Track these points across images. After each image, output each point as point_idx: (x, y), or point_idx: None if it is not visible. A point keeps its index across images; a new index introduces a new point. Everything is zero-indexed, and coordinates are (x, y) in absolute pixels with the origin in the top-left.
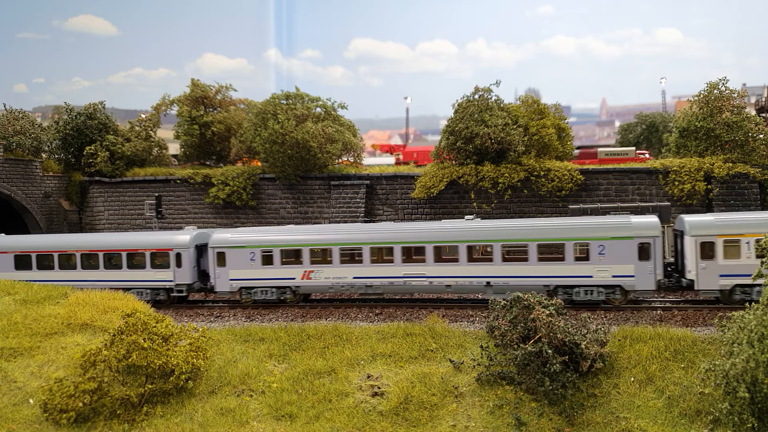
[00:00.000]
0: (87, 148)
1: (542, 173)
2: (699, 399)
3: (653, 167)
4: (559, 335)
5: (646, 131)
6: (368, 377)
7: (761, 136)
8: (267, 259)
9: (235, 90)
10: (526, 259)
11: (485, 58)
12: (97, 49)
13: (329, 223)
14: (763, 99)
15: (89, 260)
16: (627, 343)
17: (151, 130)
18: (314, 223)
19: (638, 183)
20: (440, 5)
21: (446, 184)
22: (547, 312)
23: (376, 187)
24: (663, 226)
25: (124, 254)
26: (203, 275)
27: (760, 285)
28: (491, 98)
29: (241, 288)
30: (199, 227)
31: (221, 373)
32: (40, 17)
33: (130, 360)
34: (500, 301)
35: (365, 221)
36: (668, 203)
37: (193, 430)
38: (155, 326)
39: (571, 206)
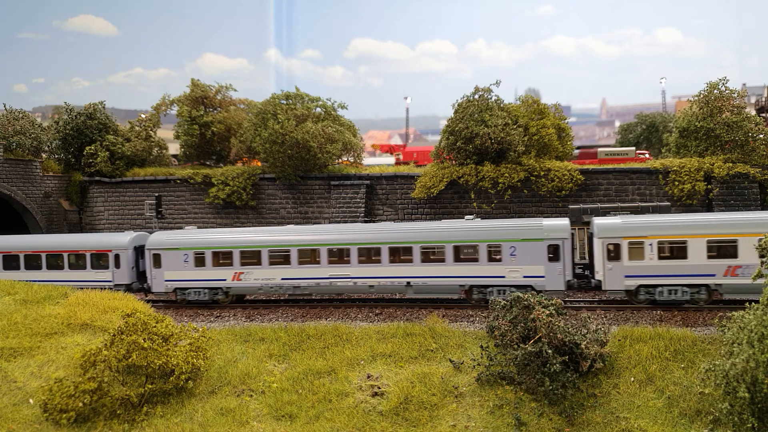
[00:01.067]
0: (87, 148)
1: (542, 173)
2: (699, 399)
3: (653, 167)
4: (559, 335)
5: (646, 131)
6: (368, 377)
7: (761, 136)
8: (199, 261)
9: (235, 90)
10: (443, 260)
11: (485, 58)
12: (97, 49)
13: (329, 223)
14: (763, 99)
15: (33, 261)
16: (627, 343)
17: (151, 130)
18: (314, 224)
19: (638, 183)
20: (440, 5)
21: (446, 184)
22: (547, 312)
23: (376, 187)
24: (574, 229)
25: (65, 255)
26: (142, 276)
27: (663, 285)
28: (491, 98)
29: (176, 288)
30: (199, 227)
31: (221, 373)
32: (40, 17)
33: (130, 360)
34: (500, 301)
35: (365, 221)
36: (668, 203)
37: (193, 430)
38: (155, 326)
39: (571, 206)
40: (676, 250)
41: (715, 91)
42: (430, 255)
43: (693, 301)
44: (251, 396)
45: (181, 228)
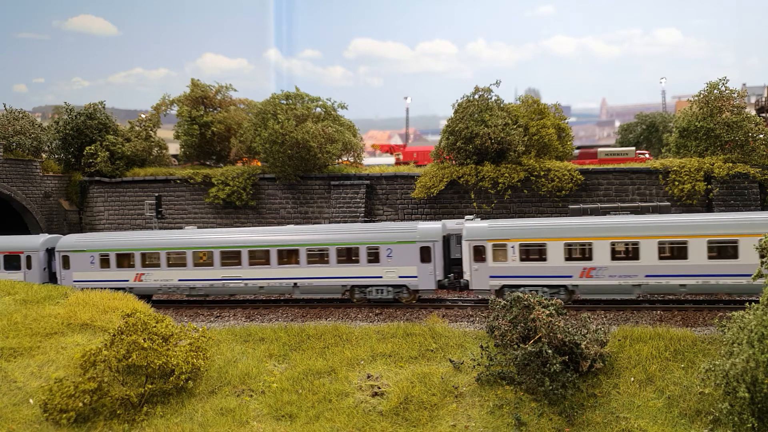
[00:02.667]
0: (87, 148)
1: (542, 173)
2: (699, 399)
3: (653, 167)
4: (559, 335)
5: (646, 131)
6: (368, 377)
7: (761, 136)
8: (104, 262)
9: (235, 90)
10: (327, 262)
11: (485, 58)
12: (97, 49)
13: (329, 223)
14: (763, 99)
15: None
16: (627, 343)
17: (151, 130)
18: (314, 223)
19: (638, 183)
20: (440, 5)
21: (446, 184)
22: (547, 312)
23: (376, 187)
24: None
25: None
26: (54, 277)
27: (524, 286)
28: (491, 98)
29: (83, 289)
30: (199, 227)
31: (221, 373)
32: (40, 17)
33: (130, 360)
34: (500, 301)
35: (365, 221)
36: (668, 203)
37: (193, 430)
38: (155, 326)
39: (571, 206)
40: (536, 253)
41: (715, 91)
42: (316, 257)
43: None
44: (251, 396)
45: (181, 228)
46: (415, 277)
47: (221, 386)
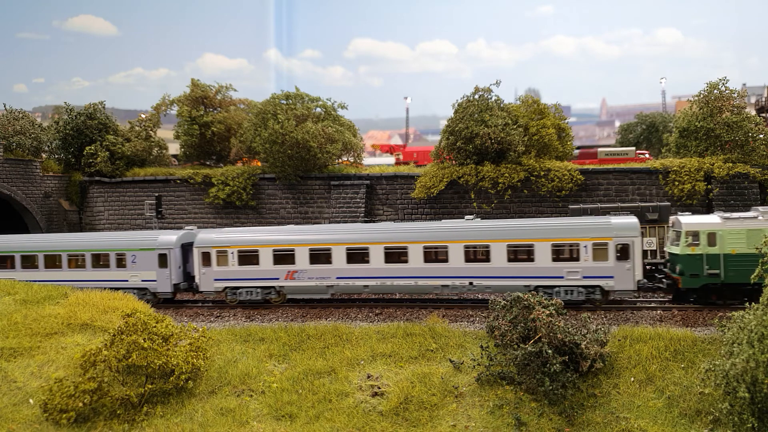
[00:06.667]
0: (87, 148)
1: (542, 173)
2: (699, 399)
3: (653, 167)
4: (559, 335)
5: (646, 131)
6: (368, 377)
7: (761, 136)
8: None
9: (235, 90)
10: (84, 267)
11: (485, 58)
12: (97, 49)
13: (329, 223)
14: (763, 99)
15: None
16: (627, 343)
17: (151, 130)
18: (314, 223)
19: (638, 183)
20: (440, 5)
21: (446, 184)
22: (547, 312)
23: (376, 187)
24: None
25: None
26: None
27: (242, 287)
28: (491, 98)
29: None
30: (198, 227)
31: (221, 373)
32: (40, 17)
33: (130, 360)
34: (500, 301)
35: (365, 221)
36: (668, 203)
37: (193, 430)
38: (155, 326)
39: (571, 206)
40: (251, 258)
41: (715, 91)
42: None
43: (266, 300)
44: (251, 396)
45: (180, 228)
46: (155, 281)
47: (221, 386)
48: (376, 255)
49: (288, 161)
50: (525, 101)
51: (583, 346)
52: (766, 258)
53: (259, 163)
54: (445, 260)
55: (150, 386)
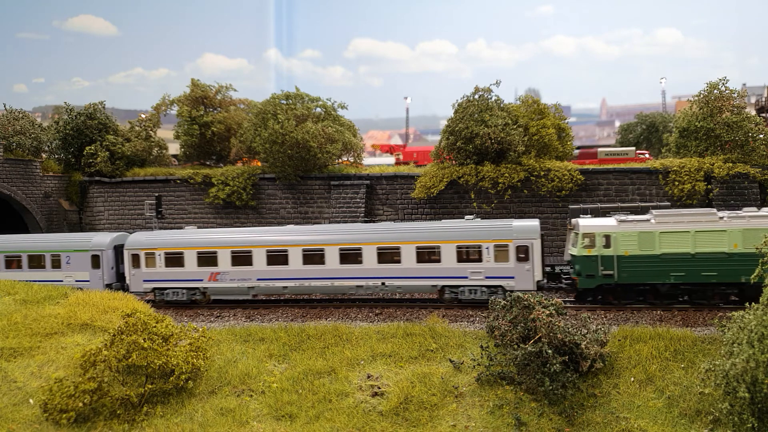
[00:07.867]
0: (87, 148)
1: (542, 173)
2: (699, 399)
3: (653, 167)
4: (559, 335)
5: (646, 131)
6: (368, 377)
7: (761, 136)
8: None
9: (235, 90)
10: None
11: (485, 58)
12: (97, 49)
13: (329, 223)
14: (763, 99)
15: None
16: (627, 343)
17: (151, 130)
18: (314, 224)
19: (638, 183)
20: (440, 5)
21: (446, 184)
22: (547, 312)
23: (376, 187)
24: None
25: None
26: None
27: (169, 288)
28: (491, 98)
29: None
30: (199, 227)
31: (221, 373)
32: (40, 17)
33: (130, 360)
34: (500, 301)
35: (365, 221)
36: (668, 203)
37: (193, 430)
38: (155, 326)
39: (571, 206)
40: (177, 260)
41: (715, 91)
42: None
43: (193, 301)
44: (251, 396)
45: (181, 228)
46: (88, 281)
47: (221, 386)
48: (295, 257)
49: (288, 161)
50: (525, 101)
51: (583, 346)
52: (766, 258)
53: (259, 163)
54: (360, 261)
55: (150, 386)
